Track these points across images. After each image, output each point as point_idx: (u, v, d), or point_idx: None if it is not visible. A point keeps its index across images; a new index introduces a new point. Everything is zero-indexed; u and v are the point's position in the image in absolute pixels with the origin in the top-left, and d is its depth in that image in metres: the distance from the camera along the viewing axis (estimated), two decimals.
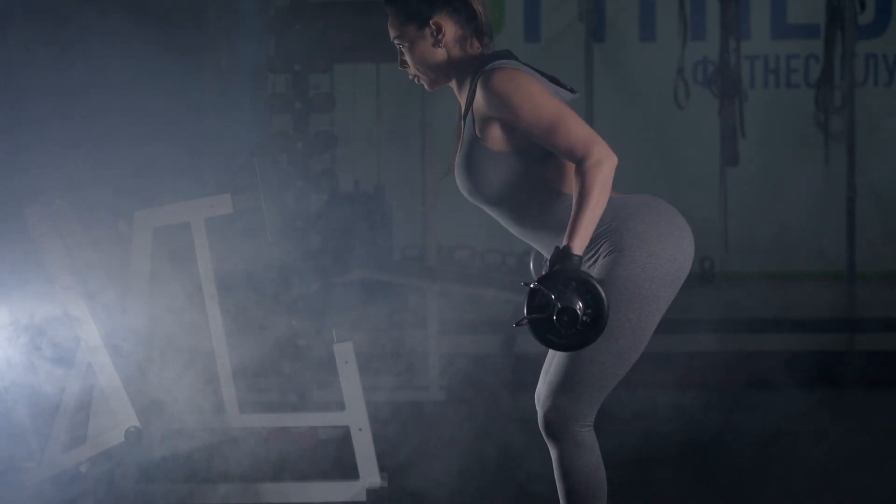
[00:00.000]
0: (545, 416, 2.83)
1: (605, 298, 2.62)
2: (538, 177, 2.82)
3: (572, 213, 2.67)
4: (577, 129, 2.72)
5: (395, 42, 2.92)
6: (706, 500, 4.37)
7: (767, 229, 9.88)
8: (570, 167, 2.82)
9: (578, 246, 2.65)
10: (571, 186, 2.82)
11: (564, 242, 2.66)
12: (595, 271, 2.80)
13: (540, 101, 2.76)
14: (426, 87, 2.96)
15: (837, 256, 9.45)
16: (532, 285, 2.63)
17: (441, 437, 5.01)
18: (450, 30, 2.89)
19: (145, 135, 5.50)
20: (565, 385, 2.79)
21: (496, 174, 2.83)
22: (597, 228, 2.78)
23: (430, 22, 2.88)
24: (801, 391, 6.09)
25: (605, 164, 2.68)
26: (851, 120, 9.40)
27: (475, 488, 4.43)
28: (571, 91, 2.89)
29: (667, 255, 2.79)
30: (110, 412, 3.99)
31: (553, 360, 2.89)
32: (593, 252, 2.81)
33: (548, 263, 2.71)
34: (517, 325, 2.65)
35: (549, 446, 2.86)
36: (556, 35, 10.18)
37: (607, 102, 9.84)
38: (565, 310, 2.61)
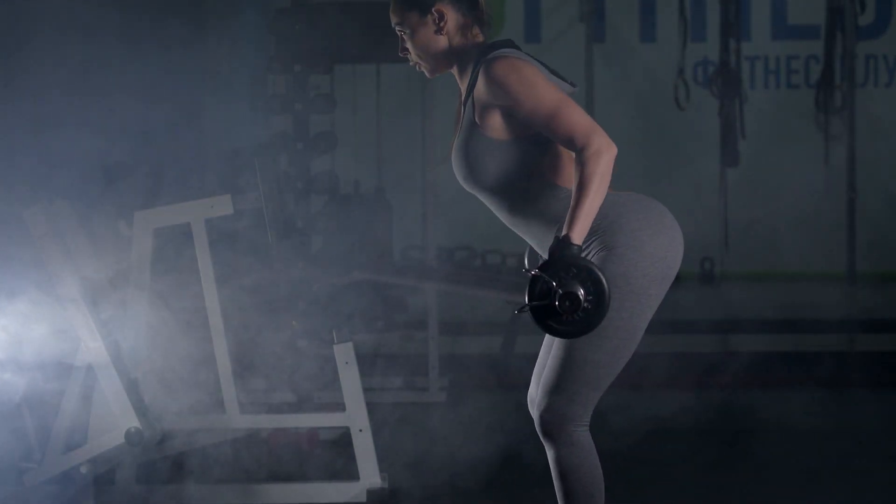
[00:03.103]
0: (541, 418, 2.83)
1: (606, 284, 2.63)
2: (535, 167, 2.83)
3: (572, 202, 2.66)
4: (577, 118, 2.73)
5: (397, 29, 2.92)
6: (706, 500, 4.37)
7: (767, 229, 9.88)
8: (568, 160, 2.82)
9: (578, 235, 2.65)
10: (567, 179, 2.83)
11: (564, 232, 2.66)
12: None
13: (541, 89, 2.76)
14: (427, 74, 2.97)
15: (837, 256, 9.45)
16: (533, 272, 2.64)
17: (441, 438, 5.01)
18: (452, 17, 2.89)
19: (145, 135, 5.50)
20: (559, 386, 2.79)
21: (493, 162, 2.83)
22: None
23: (433, 9, 2.88)
24: (802, 391, 6.10)
25: (604, 154, 2.68)
26: (851, 120, 9.39)
27: (475, 489, 4.43)
28: (572, 84, 2.90)
29: (658, 254, 2.79)
30: (110, 413, 3.99)
31: (546, 362, 2.89)
32: (584, 249, 2.81)
33: (548, 253, 2.71)
34: (519, 311, 2.66)
35: (545, 447, 2.86)
36: (557, 35, 10.18)
37: (607, 103, 9.84)
38: (567, 295, 2.61)
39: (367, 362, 5.59)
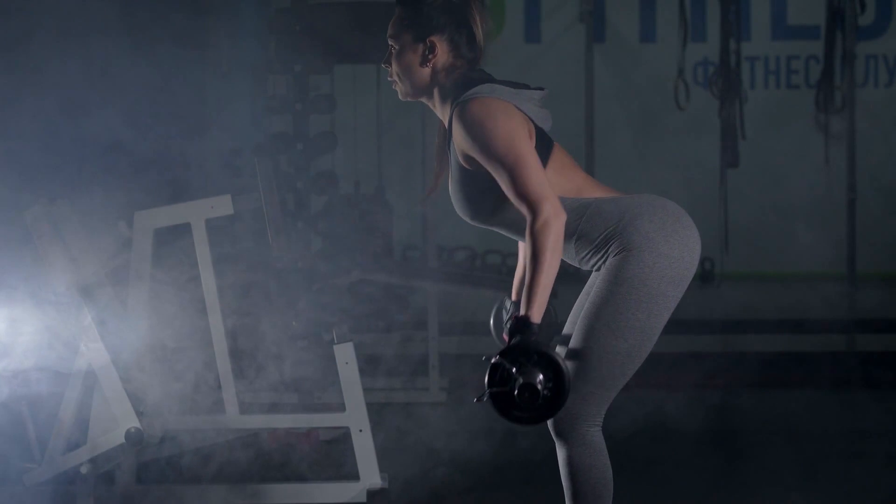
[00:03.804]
0: (554, 416, 2.83)
1: (566, 372, 2.64)
2: None
3: (527, 279, 2.67)
4: (530, 182, 2.71)
5: (389, 40, 2.92)
6: (706, 500, 4.37)
7: (767, 229, 9.89)
8: (562, 170, 2.83)
9: (537, 314, 2.66)
10: (566, 189, 2.84)
11: (522, 312, 2.67)
12: (604, 271, 2.81)
13: (501, 145, 2.74)
14: (399, 95, 2.97)
15: (838, 257, 9.45)
16: (493, 360, 2.65)
17: (441, 438, 5.01)
18: (442, 54, 2.89)
19: (145, 135, 5.49)
20: (574, 386, 2.79)
21: (491, 197, 2.84)
22: (604, 230, 2.80)
23: (427, 39, 2.88)
24: (802, 391, 6.10)
25: (553, 225, 2.67)
26: (852, 121, 9.39)
27: (475, 489, 4.43)
28: (540, 89, 2.89)
29: (674, 255, 2.79)
30: (110, 413, 3.99)
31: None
32: (602, 253, 2.82)
33: (507, 329, 2.73)
34: (477, 400, 2.66)
35: (556, 446, 2.86)
36: (557, 36, 10.18)
37: (607, 103, 9.85)
38: (526, 386, 2.62)
39: (367, 362, 5.59)
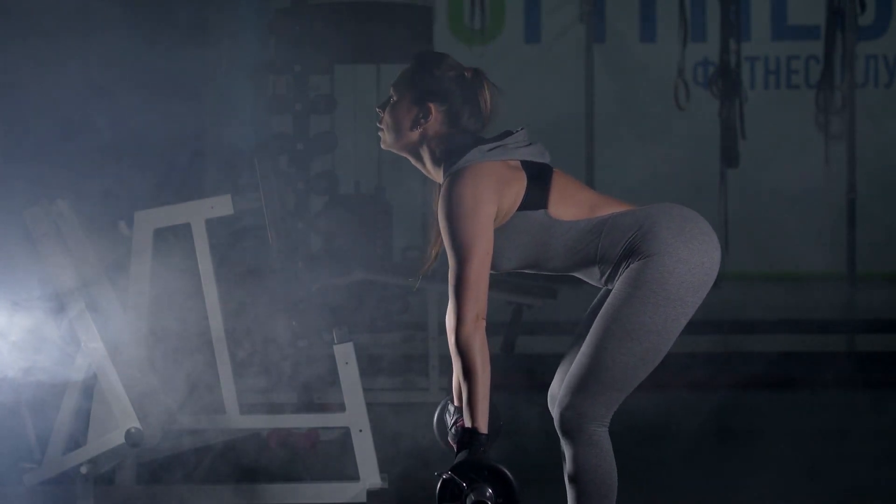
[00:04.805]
0: (562, 415, 2.83)
1: (516, 487, 2.67)
2: (541, 226, 2.83)
3: (464, 395, 2.70)
4: (469, 283, 2.74)
5: (391, 89, 2.94)
6: (706, 500, 4.37)
7: (767, 229, 9.88)
8: (566, 196, 2.84)
9: (482, 423, 2.70)
10: (580, 212, 2.84)
11: (467, 424, 2.70)
12: (623, 276, 2.81)
13: (462, 234, 2.76)
14: (381, 143, 2.98)
15: (837, 257, 9.45)
16: (444, 476, 2.67)
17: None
18: (435, 123, 2.90)
19: (145, 135, 5.49)
20: (585, 385, 2.79)
21: (508, 246, 2.85)
22: (623, 242, 2.80)
23: (426, 104, 2.89)
24: (802, 392, 6.09)
25: (475, 338, 2.72)
26: (852, 121, 9.40)
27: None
28: (521, 129, 2.89)
29: (694, 261, 2.79)
30: (110, 413, 3.99)
31: (571, 360, 2.90)
32: (624, 265, 2.81)
33: (452, 435, 2.78)
34: None
35: (563, 445, 2.86)
36: (557, 36, 10.18)
37: (607, 103, 9.84)
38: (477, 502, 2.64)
39: (367, 362, 5.59)
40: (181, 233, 4.16)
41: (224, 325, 4.13)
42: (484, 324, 2.73)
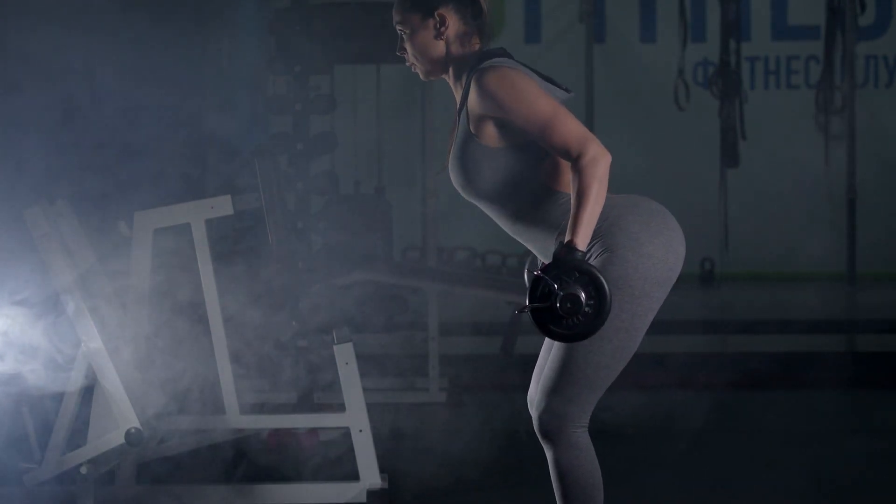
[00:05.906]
0: (540, 419, 2.83)
1: (608, 290, 2.63)
2: (532, 174, 2.83)
3: (572, 210, 2.67)
4: (571, 127, 2.73)
5: (398, 28, 2.93)
6: (705, 500, 4.37)
7: (767, 229, 9.88)
8: (565, 165, 2.82)
9: (581, 241, 2.66)
10: (565, 184, 2.83)
11: (567, 237, 2.66)
12: None
13: (533, 99, 2.76)
14: (421, 76, 2.98)
15: (838, 257, 9.45)
16: (536, 273, 2.65)
17: (441, 438, 5.01)
18: (453, 24, 2.90)
19: (145, 135, 5.50)
20: (559, 387, 2.79)
21: (490, 170, 2.83)
22: None
23: (436, 13, 2.89)
24: (801, 392, 6.10)
25: (600, 161, 2.69)
26: (851, 120, 9.40)
27: (475, 489, 4.43)
28: (566, 90, 2.90)
29: (658, 255, 2.79)
30: (110, 413, 3.99)
31: (545, 363, 2.89)
32: (587, 251, 2.81)
33: (552, 256, 2.72)
34: (519, 312, 2.67)
35: (544, 448, 2.86)
36: (557, 36, 10.19)
37: (607, 103, 9.84)
38: (569, 297, 2.62)
39: (367, 362, 5.59)
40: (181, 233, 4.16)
41: (224, 325, 4.13)
42: (609, 159, 2.70)
